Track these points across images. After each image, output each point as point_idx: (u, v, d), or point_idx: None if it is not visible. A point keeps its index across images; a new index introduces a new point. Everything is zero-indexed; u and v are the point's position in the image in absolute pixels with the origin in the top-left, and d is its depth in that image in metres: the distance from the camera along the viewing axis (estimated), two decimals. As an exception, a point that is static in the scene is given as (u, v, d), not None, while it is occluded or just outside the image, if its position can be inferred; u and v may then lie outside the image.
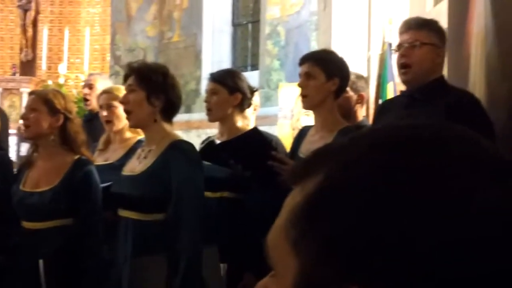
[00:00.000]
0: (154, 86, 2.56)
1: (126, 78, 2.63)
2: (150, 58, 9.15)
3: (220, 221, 2.83)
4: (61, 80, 9.39)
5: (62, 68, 9.58)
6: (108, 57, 9.82)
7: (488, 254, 0.48)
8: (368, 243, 0.49)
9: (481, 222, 0.49)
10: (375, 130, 0.58)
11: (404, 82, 2.65)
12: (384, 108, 2.96)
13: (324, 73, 2.70)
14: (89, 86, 4.39)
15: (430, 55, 2.56)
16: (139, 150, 2.67)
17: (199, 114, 6.99)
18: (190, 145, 2.58)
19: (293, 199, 0.55)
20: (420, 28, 2.59)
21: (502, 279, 0.49)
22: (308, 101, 2.75)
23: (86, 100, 4.43)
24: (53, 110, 2.85)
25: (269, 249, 0.56)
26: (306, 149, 2.73)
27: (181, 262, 2.37)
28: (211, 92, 3.01)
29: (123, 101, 2.62)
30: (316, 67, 2.71)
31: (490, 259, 0.48)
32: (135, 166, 2.59)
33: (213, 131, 7.46)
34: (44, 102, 2.85)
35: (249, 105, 3.08)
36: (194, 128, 7.37)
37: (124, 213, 2.54)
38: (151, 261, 2.43)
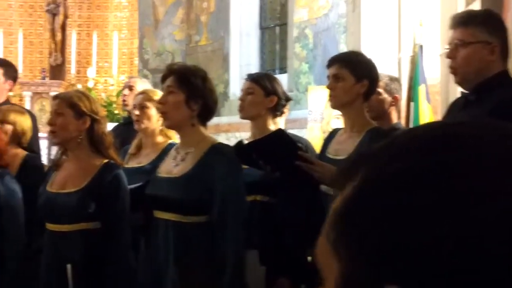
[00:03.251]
0: (194, 89, 2.54)
1: (164, 79, 2.60)
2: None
3: (254, 225, 2.82)
4: (90, 84, 9.45)
5: (91, 72, 9.64)
6: (136, 61, 9.86)
7: None
8: (404, 244, 0.49)
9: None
10: (408, 132, 0.57)
11: (457, 83, 2.57)
12: (448, 111, 2.88)
13: (353, 75, 2.65)
14: (129, 87, 4.45)
15: (478, 54, 2.36)
16: (173, 152, 2.64)
17: (228, 118, 6.97)
18: (230, 148, 2.58)
19: (335, 203, 0.56)
20: (463, 25, 2.40)
21: None
22: (336, 101, 2.71)
23: (125, 102, 4.48)
24: (79, 113, 2.82)
25: (317, 254, 0.57)
26: (333, 149, 2.71)
27: (227, 265, 2.36)
28: (247, 92, 3.00)
29: (161, 102, 2.59)
30: (344, 69, 2.66)
31: None
32: (171, 168, 2.57)
33: (241, 134, 7.44)
34: (69, 105, 2.82)
35: (282, 113, 3.07)
36: (223, 131, 7.35)
37: (162, 214, 2.52)
38: (194, 263, 2.42)
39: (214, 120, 2.67)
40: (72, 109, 2.81)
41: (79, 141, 2.82)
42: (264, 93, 2.98)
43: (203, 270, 2.41)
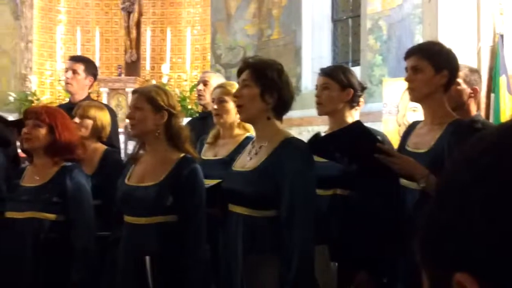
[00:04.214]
0: (269, 83, 2.53)
1: (240, 73, 2.61)
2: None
3: (332, 219, 2.78)
4: (164, 80, 9.61)
5: (165, 68, 9.79)
6: (208, 56, 9.95)
7: None
8: (475, 234, 0.51)
9: None
10: (495, 131, 0.58)
11: None
12: None
13: (432, 66, 2.57)
14: (204, 82, 4.50)
15: None
16: (249, 146, 2.65)
17: (300, 112, 6.93)
18: (302, 142, 2.54)
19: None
20: None
21: None
22: (416, 94, 2.63)
23: (200, 96, 4.53)
24: (157, 107, 2.87)
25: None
26: (413, 142, 2.65)
27: (294, 260, 2.33)
28: (322, 87, 2.98)
29: (237, 95, 2.60)
30: (423, 60, 2.59)
31: None
32: (245, 162, 2.57)
33: (314, 128, 7.38)
34: (148, 100, 2.87)
35: (359, 102, 3.03)
36: (295, 125, 7.32)
37: (235, 208, 2.53)
38: (263, 257, 2.41)
39: (286, 114, 2.65)
40: (151, 104, 2.86)
41: (157, 135, 2.86)
42: (340, 87, 2.95)
43: (270, 264, 2.40)
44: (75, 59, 4.86)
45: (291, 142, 2.49)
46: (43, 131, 3.09)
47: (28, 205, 3.01)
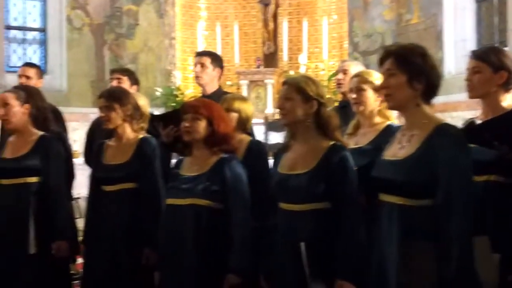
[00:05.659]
0: (415, 69, 2.47)
1: (382, 62, 2.57)
2: (389, 42, 9.01)
3: (487, 207, 2.68)
4: (302, 70, 9.67)
5: (302, 58, 9.85)
6: (345, 44, 9.89)
7: None
8: None
9: None
10: None
11: None
12: None
13: None
14: (343, 71, 4.52)
15: None
16: (399, 135, 2.60)
17: (444, 97, 6.71)
18: (456, 129, 2.46)
19: None
20: None
21: None
22: None
23: (339, 85, 4.55)
24: (306, 97, 2.92)
25: None
26: None
27: (453, 250, 2.28)
28: (473, 71, 2.88)
29: (384, 86, 2.55)
30: None
31: None
32: (396, 151, 2.53)
33: (459, 114, 7.11)
34: (297, 90, 2.93)
35: None
36: (439, 111, 7.09)
37: (387, 197, 2.49)
38: (419, 247, 2.36)
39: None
40: (300, 94, 2.91)
41: (307, 124, 2.91)
42: (492, 70, 2.84)
43: (426, 255, 2.35)
44: (202, 53, 5.11)
45: (445, 129, 2.41)
46: (202, 123, 3.24)
47: (188, 193, 3.18)
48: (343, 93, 4.50)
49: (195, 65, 4.81)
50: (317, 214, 2.79)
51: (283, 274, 2.84)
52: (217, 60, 4.84)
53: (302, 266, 2.72)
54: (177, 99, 9.67)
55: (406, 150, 2.48)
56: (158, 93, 9.66)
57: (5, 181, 3.84)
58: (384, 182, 2.51)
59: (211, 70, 4.73)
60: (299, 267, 2.73)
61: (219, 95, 4.31)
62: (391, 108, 2.64)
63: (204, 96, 4.66)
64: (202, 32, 10.37)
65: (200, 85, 4.89)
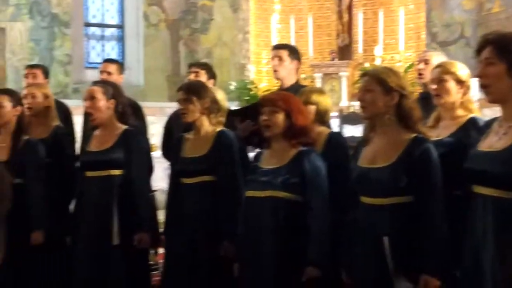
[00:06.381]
0: None
1: (479, 51, 2.46)
2: (468, 32, 8.78)
3: None
4: (377, 62, 9.52)
5: (378, 50, 9.69)
6: (423, 35, 9.66)
7: None
8: None
9: None
10: None
11: None
12: None
13: None
14: (425, 61, 4.43)
15: None
16: (495, 126, 2.49)
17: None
18: None
19: None
20: None
21: None
22: None
23: (420, 75, 4.45)
24: (387, 89, 2.86)
25: None
26: None
27: None
28: None
29: (481, 75, 2.45)
30: None
31: None
32: (493, 143, 2.43)
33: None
34: (378, 82, 2.87)
35: None
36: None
37: (481, 189, 2.41)
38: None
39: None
40: (381, 85, 2.85)
41: (388, 117, 2.85)
42: None
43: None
44: (278, 46, 5.06)
45: None
46: (280, 116, 3.24)
47: (267, 185, 3.19)
48: (424, 84, 4.40)
49: (272, 58, 4.77)
50: (399, 208, 2.73)
51: (364, 269, 2.80)
52: (294, 52, 4.79)
53: (384, 261, 2.68)
54: (251, 93, 9.70)
55: (503, 142, 2.38)
56: (232, 87, 9.72)
57: (90, 173, 3.96)
58: (479, 174, 2.41)
59: (288, 63, 4.69)
60: (381, 262, 2.69)
61: (297, 88, 4.27)
62: (492, 101, 2.48)
63: (282, 89, 4.63)
64: (276, 26, 10.36)
65: (278, 79, 4.85)
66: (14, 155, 4.00)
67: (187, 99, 3.79)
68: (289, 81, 4.70)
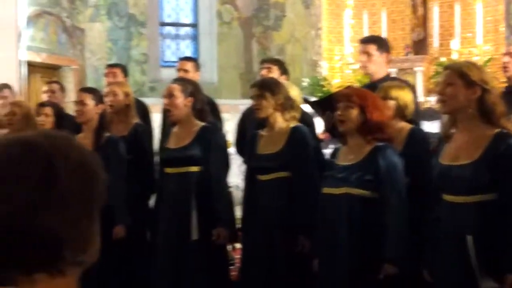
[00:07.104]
0: None
1: None
2: (551, 24, 8.45)
3: None
4: (454, 56, 9.29)
5: (454, 44, 9.45)
6: (502, 28, 9.36)
7: None
8: None
9: None
10: None
11: None
12: None
13: None
14: (510, 54, 4.27)
15: None
16: None
17: None
18: None
19: None
20: None
21: None
22: None
23: (505, 68, 4.31)
24: (469, 82, 2.78)
25: None
26: None
27: None
28: None
29: None
30: None
31: None
32: None
33: None
34: (460, 75, 2.80)
35: None
36: None
37: None
38: None
39: None
40: (462, 79, 2.78)
41: (470, 112, 2.78)
42: None
43: None
44: (366, 41, 4.77)
45: None
46: (354, 112, 3.21)
47: (343, 182, 3.17)
48: (509, 78, 4.26)
49: (360, 53, 4.56)
50: (483, 206, 2.66)
51: (447, 268, 2.74)
52: (383, 44, 4.56)
53: (468, 260, 2.61)
54: (324, 89, 9.65)
55: None
56: (305, 84, 9.70)
57: (169, 170, 4.04)
58: None
59: (377, 57, 4.44)
60: (465, 261, 2.62)
61: (386, 81, 4.12)
62: None
63: (370, 83, 4.52)
64: (349, 21, 10.26)
65: (367, 74, 4.67)
66: (96, 152, 4.11)
67: (260, 95, 3.81)
68: (380, 75, 4.46)
